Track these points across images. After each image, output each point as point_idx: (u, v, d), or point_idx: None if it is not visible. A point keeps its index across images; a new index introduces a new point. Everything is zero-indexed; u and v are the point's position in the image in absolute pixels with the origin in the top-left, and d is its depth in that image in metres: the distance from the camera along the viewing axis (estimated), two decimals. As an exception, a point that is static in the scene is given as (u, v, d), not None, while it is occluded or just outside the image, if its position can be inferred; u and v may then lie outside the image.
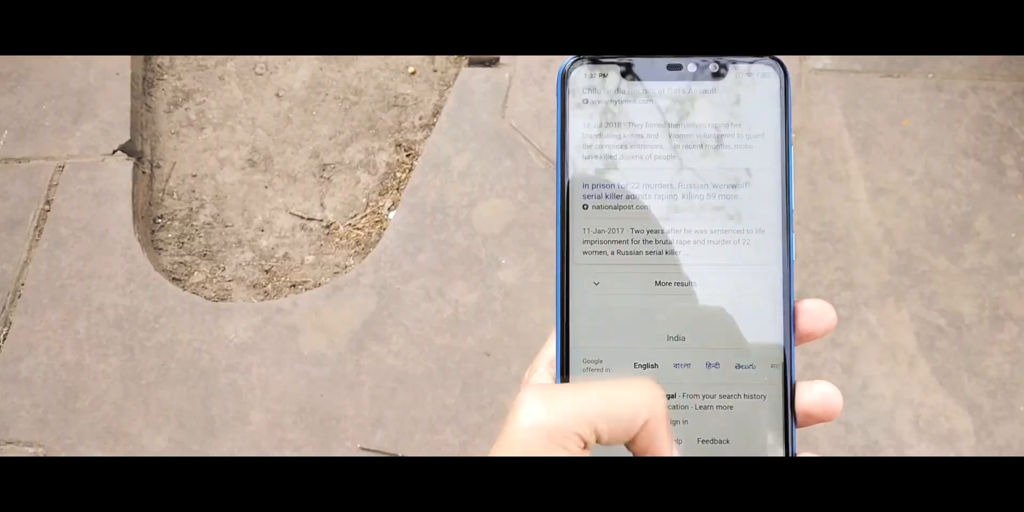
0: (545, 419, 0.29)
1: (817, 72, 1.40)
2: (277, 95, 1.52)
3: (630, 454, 0.31)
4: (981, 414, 1.17)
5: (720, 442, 0.33)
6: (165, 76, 1.55)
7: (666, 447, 0.30)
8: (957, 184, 1.31)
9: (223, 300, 1.33)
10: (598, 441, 0.29)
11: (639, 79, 0.35)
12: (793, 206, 0.34)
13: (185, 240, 1.40)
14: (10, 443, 1.21)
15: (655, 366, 0.34)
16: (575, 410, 0.29)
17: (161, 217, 1.42)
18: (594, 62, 0.35)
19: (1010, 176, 1.31)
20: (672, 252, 0.34)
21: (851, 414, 1.17)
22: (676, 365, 0.34)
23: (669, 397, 0.34)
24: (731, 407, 0.34)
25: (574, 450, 0.29)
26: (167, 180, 1.46)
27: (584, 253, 0.34)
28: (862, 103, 1.38)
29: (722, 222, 0.34)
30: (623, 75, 0.35)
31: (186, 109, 1.52)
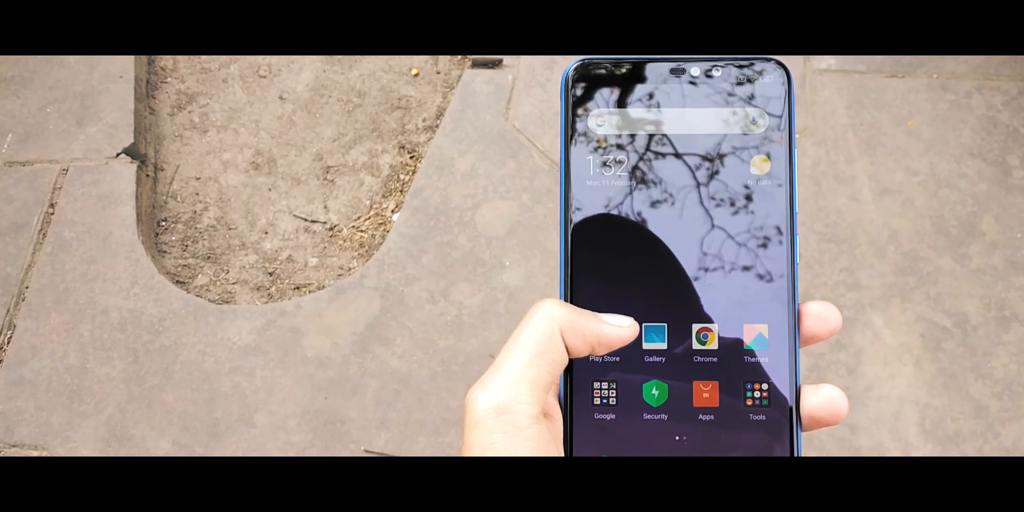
0: (490, 404, 0.30)
1: (821, 73, 1.40)
2: (280, 98, 1.52)
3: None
4: (988, 415, 1.17)
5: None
6: (168, 79, 1.55)
7: (594, 333, 0.32)
8: (963, 184, 1.31)
9: (227, 303, 1.33)
10: (548, 386, 0.31)
11: (643, 82, 0.35)
12: (797, 208, 0.34)
13: (189, 243, 1.40)
14: (14, 446, 1.22)
15: None
16: (508, 385, 0.31)
17: (165, 220, 1.43)
18: (598, 64, 0.35)
19: (1016, 176, 1.31)
20: (675, 253, 0.34)
21: (856, 416, 1.17)
22: None
23: None
24: None
25: (529, 423, 0.30)
26: (171, 183, 1.46)
27: (588, 258, 0.34)
28: (867, 103, 1.37)
29: (725, 224, 0.34)
30: (627, 78, 0.35)
31: (189, 112, 1.52)
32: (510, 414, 0.30)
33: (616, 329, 0.33)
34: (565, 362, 0.32)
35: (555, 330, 0.32)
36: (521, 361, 0.31)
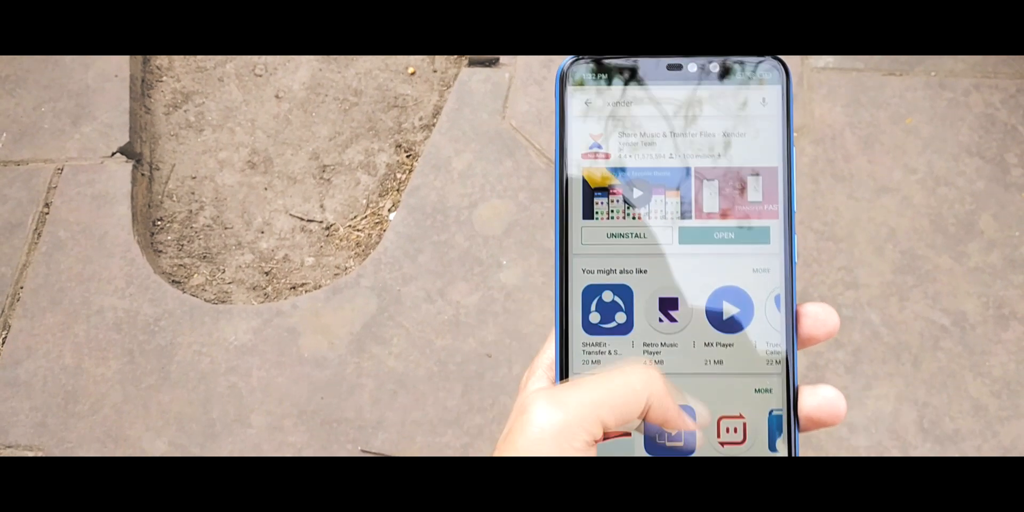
0: (555, 420, 0.29)
1: (819, 71, 1.39)
2: (276, 96, 1.51)
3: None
4: (986, 414, 1.16)
5: None
6: (164, 78, 1.55)
7: (675, 417, 0.31)
8: (960, 182, 1.31)
9: (223, 302, 1.33)
10: (606, 429, 0.30)
11: (639, 80, 0.34)
12: (795, 209, 0.34)
13: (185, 242, 1.40)
14: (9, 447, 1.21)
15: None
16: (582, 409, 0.30)
17: (160, 219, 1.42)
18: (593, 62, 0.35)
19: (1014, 174, 1.31)
20: (672, 255, 0.34)
21: (855, 415, 1.17)
22: None
23: None
24: None
25: (582, 448, 0.29)
26: (166, 182, 1.45)
27: (584, 256, 0.34)
28: (864, 101, 1.37)
29: (723, 225, 0.34)
30: (623, 76, 0.34)
31: (185, 111, 1.52)
32: (569, 434, 0.29)
33: (687, 424, 0.32)
34: (634, 422, 0.31)
35: (645, 395, 0.31)
36: (604, 395, 0.30)
